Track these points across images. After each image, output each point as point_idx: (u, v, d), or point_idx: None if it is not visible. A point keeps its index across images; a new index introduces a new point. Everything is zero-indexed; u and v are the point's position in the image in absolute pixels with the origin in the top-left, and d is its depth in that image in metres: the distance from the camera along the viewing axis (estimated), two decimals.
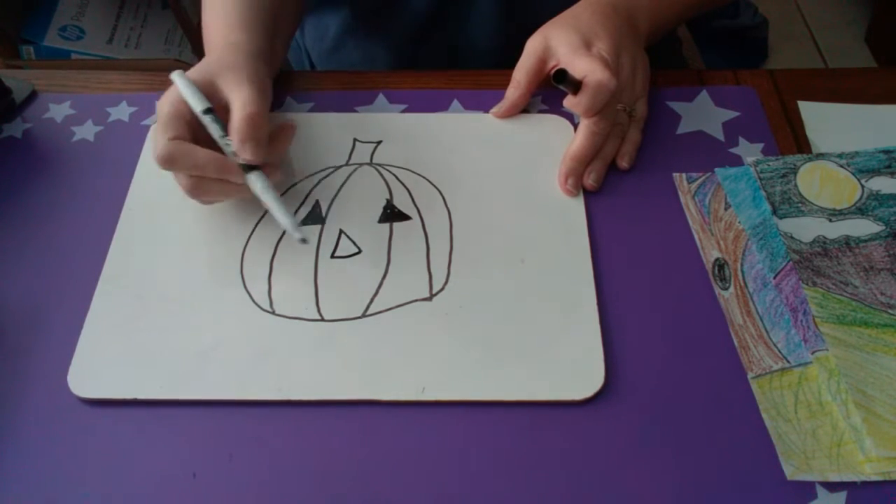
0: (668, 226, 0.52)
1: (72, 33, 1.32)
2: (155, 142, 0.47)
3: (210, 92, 0.49)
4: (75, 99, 0.61)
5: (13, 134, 0.59)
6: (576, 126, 0.56)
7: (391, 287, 0.48)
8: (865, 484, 0.40)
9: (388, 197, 0.53)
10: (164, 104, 0.48)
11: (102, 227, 0.52)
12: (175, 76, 0.49)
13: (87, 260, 0.50)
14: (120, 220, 0.52)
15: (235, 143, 0.47)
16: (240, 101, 0.48)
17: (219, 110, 0.49)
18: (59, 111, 0.60)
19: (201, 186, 0.48)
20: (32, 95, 0.61)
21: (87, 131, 0.59)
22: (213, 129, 0.48)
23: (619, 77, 0.53)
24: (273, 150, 0.50)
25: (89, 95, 0.62)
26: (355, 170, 0.55)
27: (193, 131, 0.48)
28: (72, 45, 1.31)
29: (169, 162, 0.47)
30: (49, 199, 0.54)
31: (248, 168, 0.48)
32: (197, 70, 0.50)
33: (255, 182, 0.47)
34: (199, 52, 1.39)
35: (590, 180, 0.53)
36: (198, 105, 0.48)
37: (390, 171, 0.55)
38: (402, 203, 0.53)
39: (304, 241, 0.47)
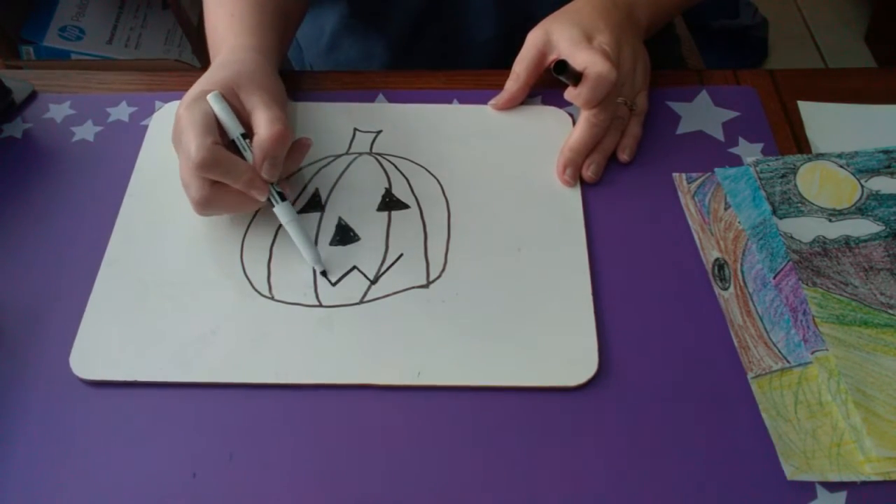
0: (668, 226, 0.52)
1: (72, 33, 1.32)
2: (189, 144, 0.46)
3: (234, 103, 0.49)
4: (75, 99, 0.61)
5: (13, 134, 0.59)
6: (575, 119, 0.57)
7: (389, 274, 0.49)
8: (865, 484, 0.40)
9: (386, 186, 0.54)
10: (195, 111, 0.47)
11: (102, 227, 0.52)
12: (212, 99, 0.48)
13: (86, 258, 0.50)
14: (122, 205, 0.53)
15: (257, 158, 0.47)
16: (266, 118, 0.48)
17: (242, 122, 0.49)
18: (59, 111, 0.60)
19: (217, 200, 0.48)
20: (32, 95, 0.61)
21: (87, 131, 0.59)
22: (249, 154, 0.48)
23: (620, 70, 0.53)
24: (286, 166, 0.50)
25: (89, 95, 0.62)
26: (355, 159, 0.56)
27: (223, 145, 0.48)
28: (72, 46, 1.31)
29: (209, 164, 0.46)
30: (49, 199, 0.54)
31: (281, 198, 0.49)
32: (220, 77, 0.50)
33: (284, 214, 0.49)
34: (199, 53, 1.39)
35: (589, 172, 0.53)
36: (235, 129, 0.49)
37: (390, 161, 0.56)
38: (400, 192, 0.53)
39: (324, 273, 0.49)
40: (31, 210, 0.54)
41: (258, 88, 0.50)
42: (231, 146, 0.49)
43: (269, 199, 0.49)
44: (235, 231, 0.51)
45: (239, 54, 0.53)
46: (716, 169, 0.53)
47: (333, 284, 0.49)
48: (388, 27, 0.72)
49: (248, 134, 0.49)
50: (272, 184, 0.49)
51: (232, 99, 0.49)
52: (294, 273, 0.49)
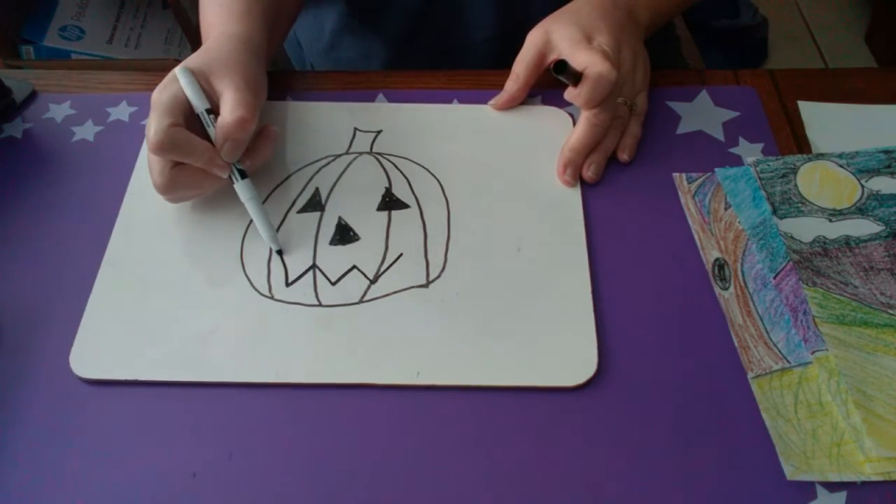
0: (668, 226, 0.52)
1: (72, 33, 1.31)
2: (148, 127, 0.47)
3: (205, 86, 0.50)
4: (75, 99, 0.61)
5: (13, 134, 0.59)
6: (575, 119, 0.57)
7: (388, 274, 0.49)
8: (865, 484, 0.40)
9: (387, 185, 0.54)
10: (164, 93, 0.48)
11: (102, 227, 0.52)
12: (179, 73, 0.49)
13: (86, 258, 0.50)
14: (123, 204, 0.53)
15: (218, 140, 0.48)
16: (232, 101, 0.49)
17: (212, 104, 0.50)
18: (59, 111, 0.60)
19: (180, 180, 0.49)
20: (32, 95, 0.61)
21: (87, 131, 0.59)
22: (212, 130, 0.49)
23: (620, 70, 0.53)
24: (254, 157, 0.51)
25: (89, 95, 0.62)
26: (355, 158, 0.56)
27: (188, 124, 0.49)
28: (72, 45, 1.31)
29: (166, 147, 0.46)
30: (49, 199, 0.54)
31: (241, 175, 0.50)
32: (195, 61, 0.51)
33: (243, 191, 0.50)
34: None
35: (589, 172, 0.53)
36: (200, 104, 0.49)
37: (390, 161, 0.56)
38: (400, 192, 0.54)
39: (279, 252, 0.49)
40: (32, 210, 0.54)
41: (229, 73, 0.50)
42: (200, 122, 0.50)
43: (230, 177, 0.50)
44: (235, 231, 0.51)
45: (220, 42, 0.53)
46: (716, 169, 0.53)
47: (333, 284, 0.49)
48: (388, 26, 0.72)
49: (216, 113, 0.50)
50: (233, 162, 0.50)
51: (204, 83, 0.50)
52: (293, 273, 0.49)
